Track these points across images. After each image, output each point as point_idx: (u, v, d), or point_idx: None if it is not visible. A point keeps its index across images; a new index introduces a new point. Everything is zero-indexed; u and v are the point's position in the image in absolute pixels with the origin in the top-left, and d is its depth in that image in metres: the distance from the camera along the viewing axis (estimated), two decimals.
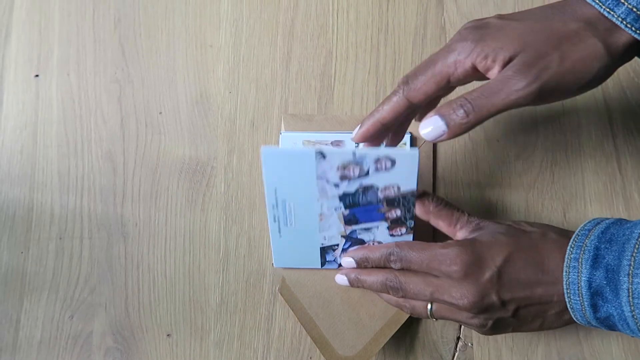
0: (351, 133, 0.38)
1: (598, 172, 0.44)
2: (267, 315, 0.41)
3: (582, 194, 0.44)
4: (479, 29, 0.32)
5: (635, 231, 0.31)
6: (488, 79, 0.33)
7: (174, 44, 0.46)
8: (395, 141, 0.39)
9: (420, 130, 0.32)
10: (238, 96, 0.45)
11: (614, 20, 0.31)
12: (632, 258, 0.30)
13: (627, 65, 0.35)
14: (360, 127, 0.37)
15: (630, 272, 0.30)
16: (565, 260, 0.33)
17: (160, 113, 0.45)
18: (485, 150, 0.44)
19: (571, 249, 0.33)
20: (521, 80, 0.30)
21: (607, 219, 0.34)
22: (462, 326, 0.41)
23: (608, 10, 0.31)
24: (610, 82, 0.45)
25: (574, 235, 0.33)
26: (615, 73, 0.43)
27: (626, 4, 0.30)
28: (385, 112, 0.35)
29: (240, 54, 0.46)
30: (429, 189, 0.43)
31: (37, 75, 0.46)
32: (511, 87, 0.30)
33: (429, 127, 0.32)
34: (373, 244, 0.38)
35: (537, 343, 0.41)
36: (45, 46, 0.46)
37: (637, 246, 0.31)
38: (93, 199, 0.43)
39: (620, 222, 0.33)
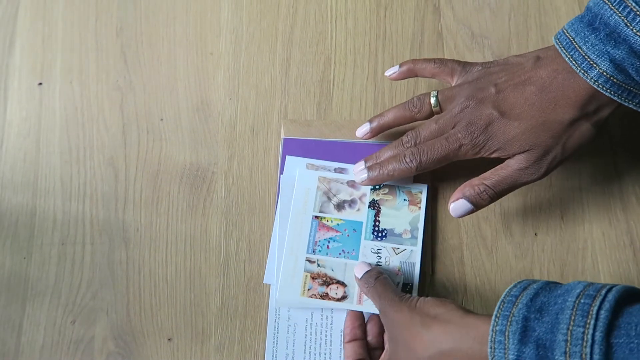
0: (351, 140, 0.41)
1: (595, 176, 0.44)
2: (268, 319, 0.41)
3: (579, 197, 0.44)
4: (486, 131, 0.37)
5: (569, 299, 0.29)
6: None
7: (175, 51, 0.47)
8: None
9: (450, 209, 0.38)
10: (238, 102, 0.46)
11: (587, 80, 0.35)
12: (569, 332, 0.27)
13: None
14: (368, 174, 0.40)
15: (567, 350, 0.27)
16: (490, 333, 0.30)
17: (162, 120, 0.46)
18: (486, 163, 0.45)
19: (496, 320, 0.30)
20: (534, 173, 0.37)
21: (535, 281, 0.32)
22: None
23: (583, 72, 0.35)
24: None
25: (499, 302, 0.31)
26: None
27: (597, 68, 0.34)
28: (396, 175, 0.40)
29: (240, 61, 0.47)
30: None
31: (40, 84, 0.46)
32: (525, 177, 0.37)
33: (459, 208, 0.38)
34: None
35: None
36: (48, 55, 0.47)
37: (573, 318, 0.27)
38: (95, 205, 0.44)
39: (549, 286, 0.31)
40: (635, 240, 0.43)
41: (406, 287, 0.41)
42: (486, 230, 0.43)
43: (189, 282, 0.42)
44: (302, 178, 0.43)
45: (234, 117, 0.46)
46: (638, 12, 0.32)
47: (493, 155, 0.38)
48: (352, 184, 0.43)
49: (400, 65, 0.42)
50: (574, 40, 0.35)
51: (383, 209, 0.42)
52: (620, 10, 0.33)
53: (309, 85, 0.46)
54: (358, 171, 0.41)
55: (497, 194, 0.37)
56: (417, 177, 0.43)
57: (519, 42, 0.47)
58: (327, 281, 0.40)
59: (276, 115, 0.46)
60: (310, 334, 0.40)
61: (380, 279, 0.38)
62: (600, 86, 0.34)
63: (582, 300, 0.28)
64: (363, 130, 0.42)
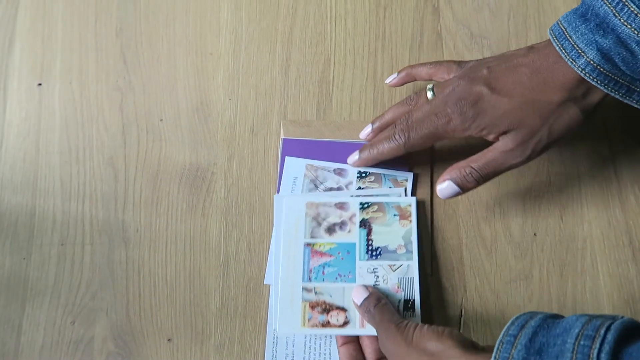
0: (350, 141, 0.41)
1: (594, 175, 0.44)
2: (267, 319, 0.41)
3: (578, 197, 0.44)
4: (475, 106, 0.37)
5: (568, 340, 0.28)
6: None
7: (175, 52, 0.47)
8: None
9: (437, 191, 0.39)
10: (238, 103, 0.46)
11: (575, 69, 0.35)
12: None
13: None
14: (359, 155, 0.42)
15: None
16: None
17: (161, 120, 0.46)
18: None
19: None
20: (520, 155, 0.37)
21: (532, 316, 0.31)
22: (462, 329, 0.41)
23: (572, 60, 0.35)
24: None
25: (497, 342, 0.30)
26: None
27: (585, 56, 0.34)
28: (386, 153, 0.40)
29: (239, 61, 0.47)
30: (427, 190, 0.44)
31: (40, 84, 0.46)
32: (511, 160, 0.37)
33: (445, 189, 0.39)
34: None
35: None
36: (48, 55, 0.47)
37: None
38: (95, 205, 0.44)
39: (547, 324, 0.31)
40: (634, 240, 0.43)
41: (408, 304, 0.40)
42: (485, 230, 0.43)
43: (189, 282, 0.42)
44: (290, 206, 0.42)
45: (233, 118, 0.46)
46: (626, 3, 0.33)
47: (482, 134, 0.38)
48: (340, 206, 0.42)
49: (399, 72, 0.44)
50: (565, 30, 0.36)
51: (374, 227, 0.41)
52: (609, 1, 0.34)
53: (309, 85, 0.46)
54: (355, 161, 0.42)
55: (482, 176, 0.38)
56: (417, 179, 0.43)
57: (518, 42, 0.47)
58: (327, 308, 0.39)
59: (276, 115, 0.46)
60: (310, 334, 0.40)
61: (379, 306, 0.37)
62: (588, 75, 0.35)
63: (581, 342, 0.28)
64: (366, 131, 0.43)
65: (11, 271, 0.42)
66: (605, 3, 0.34)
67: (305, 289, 0.40)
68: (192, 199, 0.44)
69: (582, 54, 0.35)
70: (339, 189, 0.42)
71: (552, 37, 0.36)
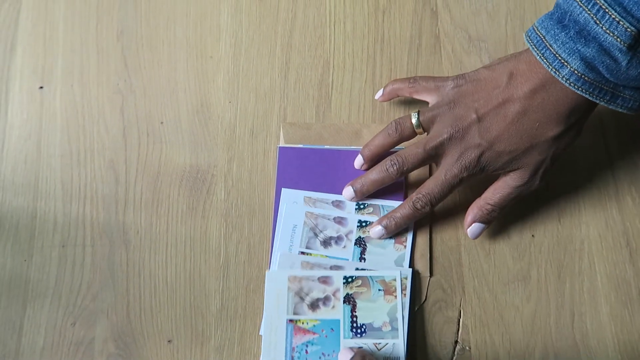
0: (348, 148, 0.42)
1: (591, 177, 0.45)
2: None
3: (575, 199, 0.44)
4: (479, 162, 0.39)
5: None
6: None
7: (175, 55, 0.47)
8: None
9: (468, 234, 0.42)
10: (238, 105, 0.46)
11: (559, 79, 0.35)
12: None
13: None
14: (385, 223, 0.42)
15: None
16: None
17: (162, 122, 0.46)
18: None
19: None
20: (531, 186, 0.40)
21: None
22: (460, 330, 0.41)
23: (555, 70, 0.35)
24: None
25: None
26: None
27: (569, 66, 0.35)
28: (409, 220, 0.41)
29: (239, 64, 0.47)
30: None
31: (41, 87, 0.47)
32: (524, 191, 0.40)
33: (475, 230, 0.41)
34: None
35: (534, 346, 0.41)
36: (49, 58, 0.47)
37: None
38: (95, 207, 0.44)
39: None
40: (631, 241, 0.43)
41: None
42: (484, 232, 0.44)
43: (189, 283, 0.42)
44: (272, 280, 0.41)
45: (233, 120, 0.46)
46: (607, 10, 0.33)
47: (491, 176, 0.40)
48: (323, 280, 0.40)
49: (384, 88, 0.44)
50: (544, 38, 0.35)
51: (359, 303, 0.40)
52: (589, 7, 0.33)
53: (308, 88, 0.47)
54: (347, 195, 0.43)
55: (502, 209, 0.41)
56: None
57: (515, 45, 0.48)
58: None
59: (275, 118, 0.46)
60: None
61: None
62: (572, 85, 0.35)
63: None
64: (359, 162, 0.43)
65: (12, 273, 0.43)
66: (584, 10, 0.33)
67: None
68: (193, 201, 0.44)
69: (566, 64, 0.35)
70: (326, 299, 0.40)
71: (531, 45, 0.36)
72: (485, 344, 0.41)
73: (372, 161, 0.43)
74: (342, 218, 0.42)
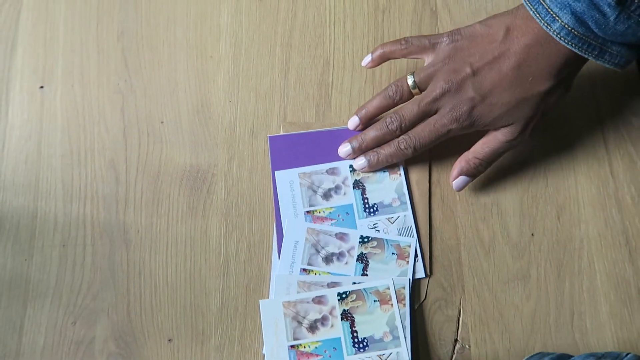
0: (345, 128, 0.44)
1: (590, 176, 0.45)
2: None
3: (575, 198, 0.44)
4: (470, 115, 0.39)
5: None
6: None
7: (176, 55, 0.48)
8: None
9: (452, 185, 0.43)
10: (238, 105, 0.46)
11: (550, 33, 0.36)
12: None
13: (619, 71, 0.39)
14: (366, 160, 0.42)
15: None
16: None
17: (162, 122, 0.46)
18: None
19: None
20: (520, 140, 0.41)
21: (543, 357, 0.32)
22: (460, 329, 0.41)
23: (547, 24, 0.36)
24: (601, 87, 0.47)
25: None
26: (606, 78, 0.45)
27: (559, 20, 0.36)
28: (393, 159, 0.42)
29: (240, 64, 0.47)
30: (425, 191, 0.44)
31: (42, 87, 0.47)
32: (513, 145, 0.41)
33: (459, 182, 0.42)
34: None
35: (533, 345, 0.41)
36: (50, 58, 0.47)
37: None
38: (96, 207, 0.44)
39: None
40: (630, 240, 0.43)
41: None
42: (483, 230, 0.44)
43: (189, 283, 0.42)
44: (266, 309, 0.40)
45: (233, 120, 0.46)
46: None
47: (480, 131, 0.41)
48: (318, 300, 0.40)
49: (372, 53, 0.43)
50: None
51: (357, 317, 0.40)
52: None
53: (308, 88, 0.47)
54: (344, 151, 0.43)
55: (489, 163, 0.42)
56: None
57: None
58: None
59: (275, 117, 0.46)
60: None
61: None
62: (563, 39, 0.36)
63: None
64: (354, 122, 0.44)
65: (13, 272, 0.43)
66: None
67: None
68: (193, 201, 0.44)
69: (557, 18, 0.36)
70: (323, 319, 0.40)
71: (525, 2, 0.37)
72: (485, 342, 0.41)
73: (367, 123, 0.43)
74: (343, 234, 0.42)
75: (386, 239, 0.42)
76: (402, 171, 0.43)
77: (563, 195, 0.44)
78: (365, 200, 0.42)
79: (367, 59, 0.44)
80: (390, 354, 0.39)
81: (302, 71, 0.47)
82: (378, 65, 0.44)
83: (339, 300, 0.40)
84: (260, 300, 0.41)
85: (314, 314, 0.40)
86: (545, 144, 0.46)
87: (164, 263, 0.43)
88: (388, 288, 0.41)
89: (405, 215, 0.42)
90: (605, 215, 0.44)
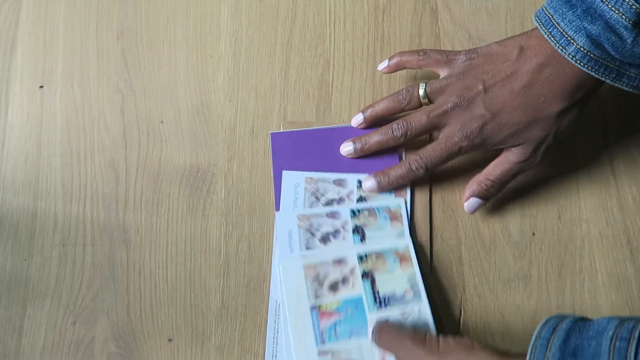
0: (347, 126, 0.44)
1: (592, 176, 0.45)
2: (267, 319, 0.41)
3: (576, 198, 0.44)
4: (481, 132, 0.39)
5: (604, 342, 0.28)
6: None
7: (175, 54, 0.48)
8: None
9: (464, 208, 0.42)
10: (238, 105, 0.46)
11: (565, 56, 0.36)
12: None
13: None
14: (376, 181, 0.42)
15: None
16: None
17: (162, 122, 0.46)
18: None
19: None
20: (531, 162, 0.40)
21: (562, 319, 0.31)
22: (461, 329, 0.41)
23: (562, 47, 0.36)
24: (603, 89, 0.46)
25: (530, 346, 0.30)
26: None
27: (575, 44, 0.35)
28: (403, 181, 0.42)
29: (239, 63, 0.47)
30: (426, 190, 0.44)
31: (41, 87, 0.47)
32: (524, 168, 0.41)
33: (471, 204, 0.42)
34: None
35: None
36: (49, 58, 0.47)
37: None
38: (96, 207, 0.44)
39: (578, 326, 0.30)
40: (632, 239, 0.43)
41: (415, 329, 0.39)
42: (484, 230, 0.44)
43: (189, 282, 0.42)
44: (286, 271, 0.41)
45: (233, 119, 0.46)
46: None
47: (491, 150, 0.40)
48: (338, 261, 0.40)
49: (389, 59, 0.44)
50: (552, 17, 0.36)
51: (377, 276, 0.41)
52: None
53: (308, 87, 0.47)
54: (346, 150, 0.43)
55: (502, 185, 0.41)
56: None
57: None
58: None
59: (275, 117, 0.46)
60: None
61: (387, 330, 0.37)
62: (578, 62, 0.35)
63: (617, 344, 0.28)
64: (357, 120, 0.44)
65: (12, 272, 0.43)
66: None
67: (321, 353, 0.39)
68: (193, 200, 0.44)
69: (572, 41, 0.35)
70: (344, 279, 0.40)
71: (539, 25, 0.37)
72: (485, 342, 0.41)
73: (372, 123, 0.43)
74: (334, 212, 0.42)
75: (377, 207, 0.42)
76: (414, 257, 0.41)
77: (564, 195, 0.44)
78: (375, 292, 0.40)
79: (384, 64, 0.44)
80: (412, 311, 0.40)
81: (302, 71, 0.47)
82: (393, 72, 0.45)
83: (351, 217, 0.41)
84: (280, 263, 0.41)
85: (334, 275, 0.40)
86: None
87: (163, 263, 0.43)
88: (399, 207, 0.42)
89: (419, 310, 0.40)
90: (607, 214, 0.44)
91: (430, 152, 0.40)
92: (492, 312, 0.42)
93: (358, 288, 0.40)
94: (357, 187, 0.43)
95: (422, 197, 0.44)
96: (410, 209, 0.43)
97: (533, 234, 0.43)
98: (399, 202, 0.43)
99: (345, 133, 0.44)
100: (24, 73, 0.47)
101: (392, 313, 0.40)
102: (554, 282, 0.42)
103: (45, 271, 0.42)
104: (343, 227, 0.42)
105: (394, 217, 0.42)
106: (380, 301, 0.40)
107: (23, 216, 0.44)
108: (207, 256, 0.43)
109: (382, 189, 0.42)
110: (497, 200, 0.44)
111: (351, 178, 0.43)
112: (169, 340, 0.41)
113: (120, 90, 0.47)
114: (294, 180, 0.43)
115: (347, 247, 0.41)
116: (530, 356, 0.30)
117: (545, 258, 0.43)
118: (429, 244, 0.43)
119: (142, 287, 0.42)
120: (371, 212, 0.42)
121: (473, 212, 0.42)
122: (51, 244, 0.43)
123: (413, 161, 0.41)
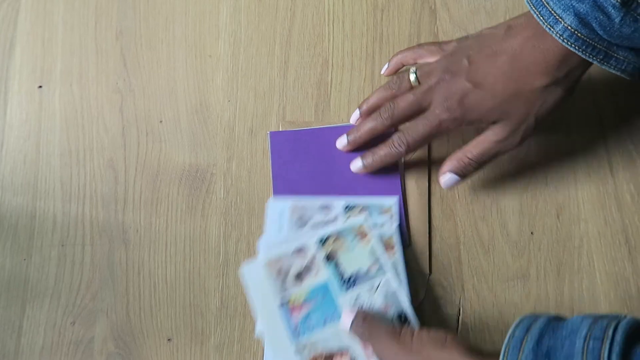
0: (347, 125, 0.43)
1: (590, 174, 0.45)
2: None
3: (575, 196, 0.44)
4: (462, 103, 0.39)
5: (577, 342, 0.28)
6: None
7: (174, 54, 0.48)
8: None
9: (441, 183, 0.42)
10: (237, 104, 0.46)
11: (552, 35, 0.35)
12: None
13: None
14: (362, 163, 0.42)
15: None
16: None
17: (161, 122, 0.46)
18: None
19: None
20: (511, 142, 0.39)
21: (536, 318, 0.31)
22: (459, 328, 0.41)
23: (549, 26, 0.36)
24: (600, 85, 0.47)
25: (503, 347, 0.30)
26: (605, 77, 0.45)
27: (562, 22, 0.35)
28: (389, 159, 0.42)
29: (238, 63, 0.47)
30: (424, 190, 0.44)
31: (40, 86, 0.47)
32: (504, 147, 0.40)
33: (448, 180, 0.41)
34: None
35: None
36: (48, 58, 0.47)
37: None
38: (95, 207, 0.44)
39: (552, 325, 0.30)
40: (630, 238, 0.43)
41: (401, 318, 0.39)
42: (483, 229, 0.44)
43: (189, 282, 0.42)
44: (250, 276, 0.40)
45: (232, 119, 0.46)
46: None
47: (473, 126, 0.40)
48: (298, 251, 0.40)
49: (390, 61, 0.45)
50: None
51: (340, 256, 0.40)
52: None
53: (307, 87, 0.47)
54: (340, 143, 0.43)
55: (480, 164, 0.40)
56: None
57: None
58: (328, 356, 0.38)
59: (274, 117, 0.46)
60: None
61: (367, 321, 0.37)
62: (565, 40, 0.35)
63: (590, 344, 0.28)
64: (355, 116, 0.44)
65: (11, 272, 0.43)
66: None
67: (298, 349, 0.38)
68: (192, 200, 0.44)
69: (560, 19, 0.35)
70: (307, 268, 0.40)
71: (529, 4, 0.37)
72: (484, 341, 0.41)
73: (368, 116, 0.43)
74: (300, 249, 0.41)
75: (340, 230, 0.41)
76: (371, 234, 0.41)
77: (562, 194, 0.44)
78: (341, 274, 0.40)
79: (385, 67, 0.46)
80: (379, 282, 0.39)
81: (301, 70, 0.47)
82: (395, 72, 0.45)
83: (320, 244, 0.41)
84: (244, 268, 0.40)
85: (296, 267, 0.40)
86: (545, 142, 0.45)
87: (163, 263, 0.43)
88: (362, 225, 0.41)
89: (386, 280, 0.40)
90: (605, 213, 0.44)
91: (412, 127, 0.40)
92: (490, 311, 0.42)
93: (323, 273, 0.40)
94: (319, 246, 0.41)
95: (420, 196, 0.44)
96: (403, 207, 0.43)
97: (532, 233, 0.44)
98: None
99: (343, 131, 0.44)
100: (22, 73, 0.47)
101: (361, 290, 0.39)
102: (552, 281, 0.43)
103: (44, 271, 0.42)
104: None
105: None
106: (347, 281, 0.40)
107: (22, 216, 0.44)
108: (207, 256, 0.43)
109: (369, 168, 0.42)
110: (496, 199, 0.44)
111: (337, 203, 0.42)
112: (169, 340, 0.41)
113: (119, 89, 0.47)
114: (279, 211, 0.42)
115: (307, 235, 0.41)
116: (503, 357, 0.30)
117: (544, 257, 0.43)
118: (427, 244, 0.43)
119: (142, 287, 0.42)
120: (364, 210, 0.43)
121: (448, 187, 0.42)
122: (50, 244, 0.43)
123: (396, 138, 0.41)
